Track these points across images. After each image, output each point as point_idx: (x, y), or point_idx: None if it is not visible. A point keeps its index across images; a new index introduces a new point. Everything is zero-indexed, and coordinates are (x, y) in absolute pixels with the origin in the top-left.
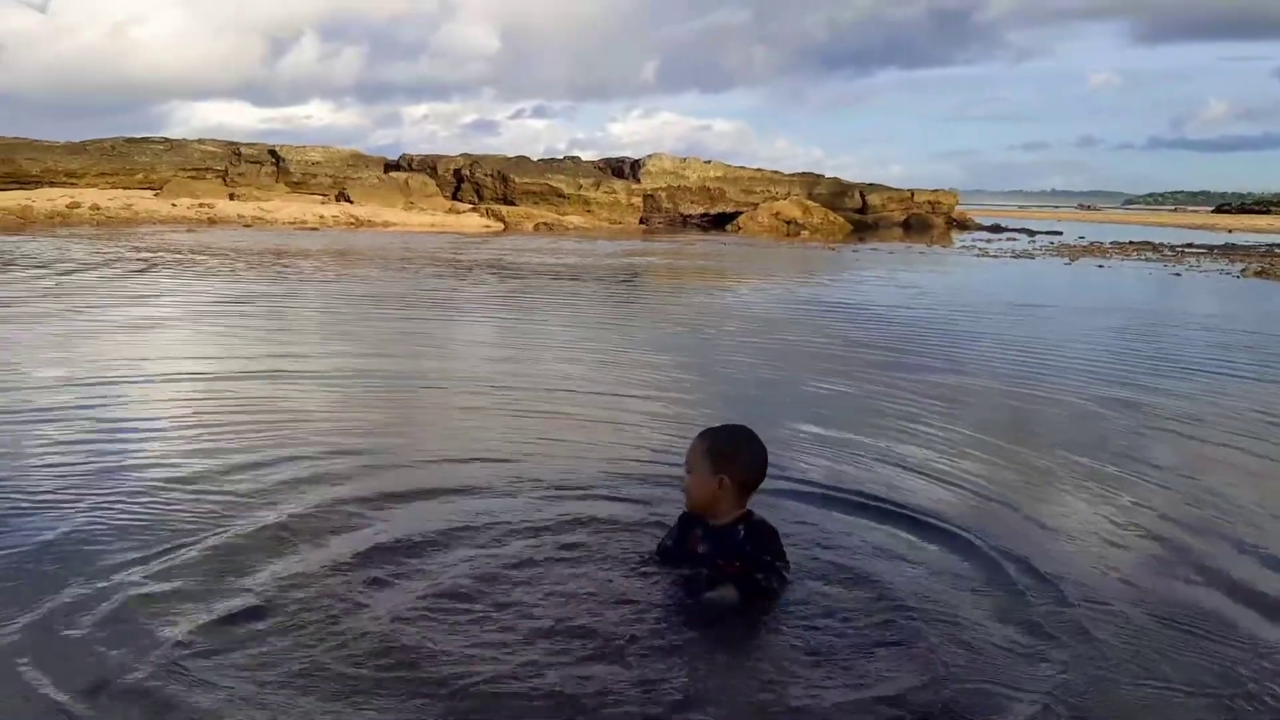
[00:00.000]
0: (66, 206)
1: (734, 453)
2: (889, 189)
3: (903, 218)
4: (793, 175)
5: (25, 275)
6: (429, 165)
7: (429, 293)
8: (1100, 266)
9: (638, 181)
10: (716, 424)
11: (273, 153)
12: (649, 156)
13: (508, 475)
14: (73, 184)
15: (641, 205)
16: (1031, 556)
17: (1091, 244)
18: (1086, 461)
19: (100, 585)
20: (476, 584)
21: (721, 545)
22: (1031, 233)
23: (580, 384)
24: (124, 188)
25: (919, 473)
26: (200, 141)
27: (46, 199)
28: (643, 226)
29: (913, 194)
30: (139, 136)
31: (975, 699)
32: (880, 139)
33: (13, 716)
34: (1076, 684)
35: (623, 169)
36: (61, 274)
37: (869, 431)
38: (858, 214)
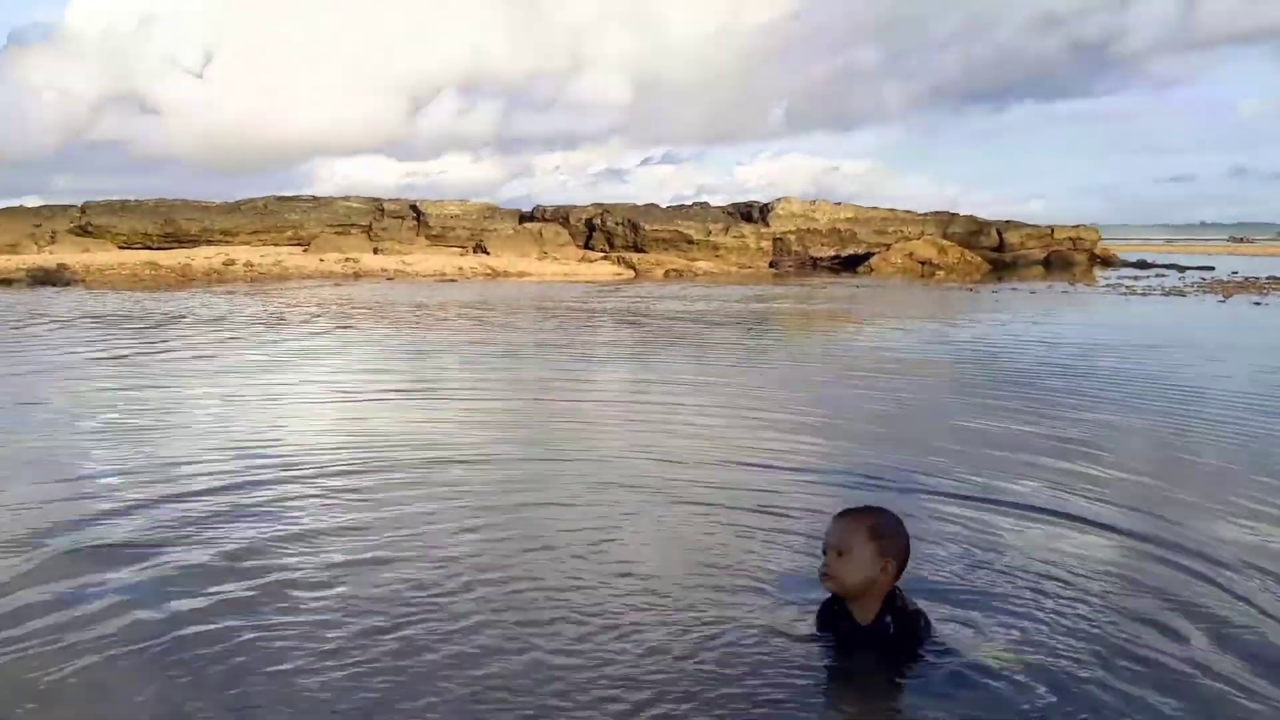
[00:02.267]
0: (222, 264)
1: (896, 534)
2: (1027, 226)
3: (1043, 255)
4: (926, 214)
5: (196, 328)
6: (561, 215)
7: (568, 339)
8: (1257, 304)
9: (767, 225)
10: (856, 505)
11: (414, 207)
12: (778, 200)
13: (655, 505)
14: (228, 242)
15: (770, 249)
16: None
17: (1246, 279)
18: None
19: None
20: (607, 625)
21: (872, 644)
22: (1181, 268)
23: (729, 424)
24: (275, 244)
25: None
26: (346, 198)
27: (204, 257)
28: (772, 270)
29: (1053, 230)
30: (289, 195)
31: None
32: (1018, 175)
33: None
34: None
35: (751, 213)
36: (228, 326)
37: (1034, 468)
38: (995, 253)
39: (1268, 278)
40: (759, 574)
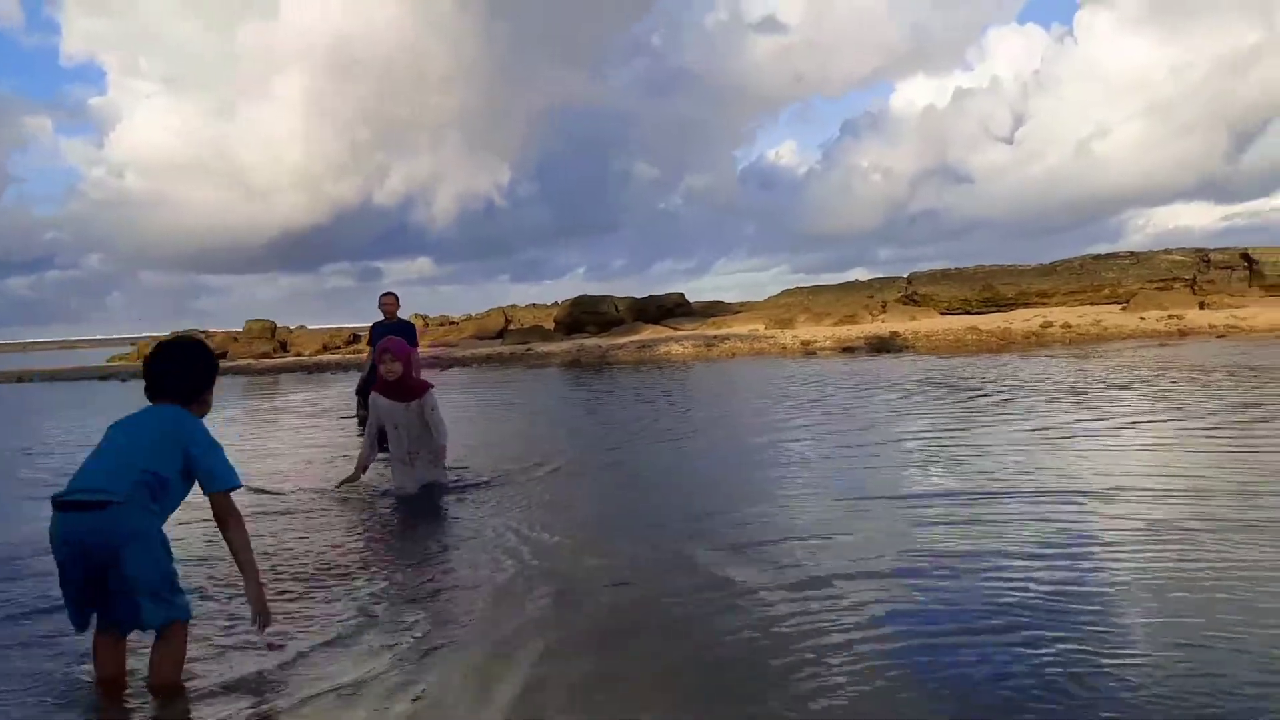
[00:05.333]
0: (1040, 326)
1: None
2: None
3: None
4: None
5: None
6: None
7: None
8: None
9: None
10: None
11: (1245, 256)
12: None
13: None
14: (1044, 303)
15: None
16: None
17: None
18: None
19: None
20: None
21: None
22: None
23: None
24: (1090, 304)
25: None
26: (1166, 252)
27: (1022, 320)
28: None
29: None
30: (1104, 253)
31: None
32: None
33: None
34: None
35: None
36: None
37: None
38: None
39: None
40: None
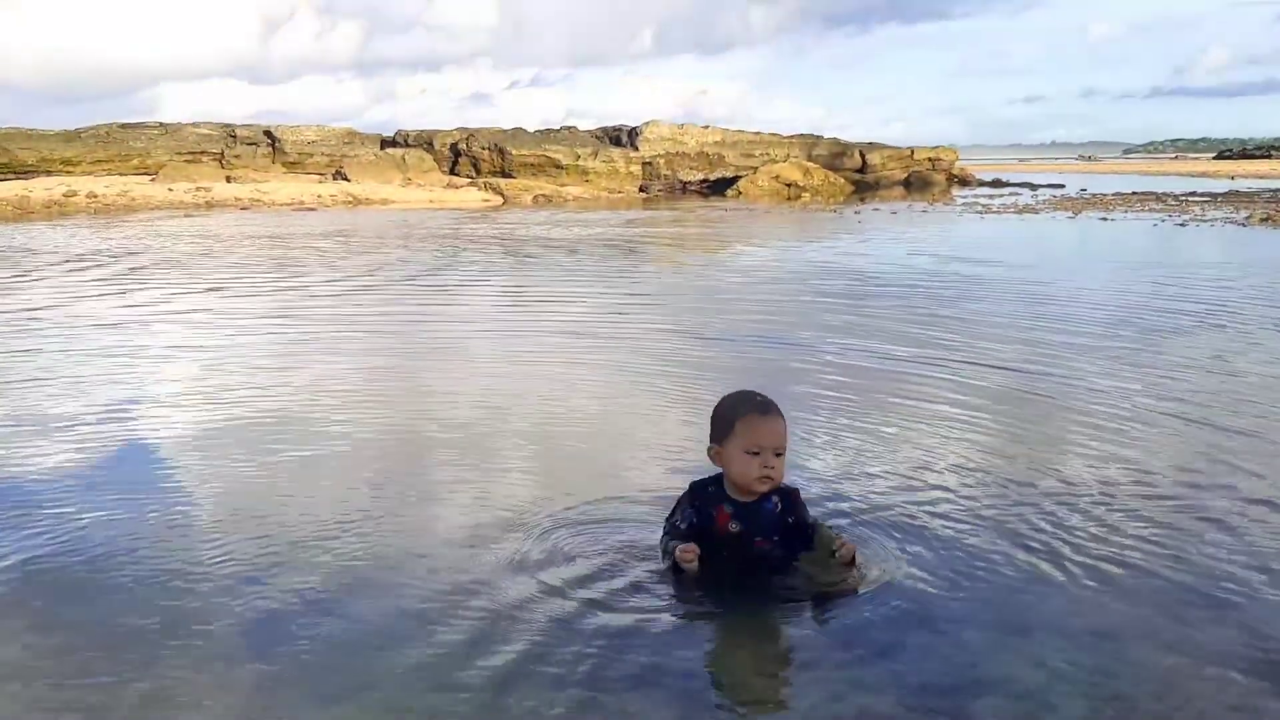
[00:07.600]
0: (63, 195)
1: None
2: (889, 148)
3: (903, 176)
4: (791, 137)
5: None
6: (425, 141)
7: (437, 265)
8: (1104, 219)
9: (636, 149)
10: (766, 398)
11: (268, 133)
12: (646, 124)
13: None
14: (69, 172)
15: (640, 173)
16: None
17: (1094, 196)
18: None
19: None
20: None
21: (757, 521)
22: (1033, 187)
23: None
24: (120, 174)
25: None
26: (195, 125)
27: (44, 188)
28: (642, 194)
29: (913, 152)
30: (134, 122)
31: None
32: (881, 97)
33: None
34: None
35: (620, 137)
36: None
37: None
38: (858, 174)
39: (1114, 194)
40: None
